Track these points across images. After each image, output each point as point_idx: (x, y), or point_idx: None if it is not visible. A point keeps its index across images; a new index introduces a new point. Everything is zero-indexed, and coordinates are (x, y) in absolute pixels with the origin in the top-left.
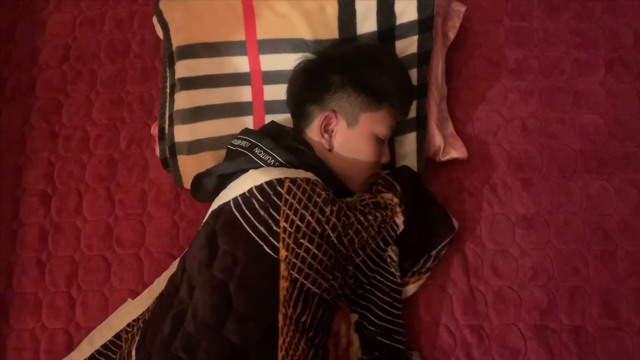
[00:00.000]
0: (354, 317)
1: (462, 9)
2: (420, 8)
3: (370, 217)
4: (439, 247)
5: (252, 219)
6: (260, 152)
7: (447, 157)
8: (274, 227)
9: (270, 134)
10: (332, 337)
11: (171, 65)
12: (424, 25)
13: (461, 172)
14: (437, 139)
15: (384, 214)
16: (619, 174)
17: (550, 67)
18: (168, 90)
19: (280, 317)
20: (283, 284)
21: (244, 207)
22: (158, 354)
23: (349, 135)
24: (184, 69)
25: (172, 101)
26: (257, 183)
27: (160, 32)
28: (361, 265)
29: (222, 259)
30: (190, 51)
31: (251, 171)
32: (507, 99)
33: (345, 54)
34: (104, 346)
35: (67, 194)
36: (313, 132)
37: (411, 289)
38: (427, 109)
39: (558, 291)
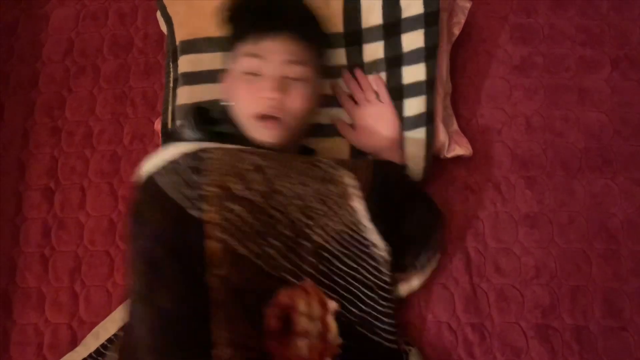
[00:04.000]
0: (333, 305)
1: (468, 4)
2: (426, 2)
3: (304, 186)
4: (434, 237)
5: (175, 184)
6: (182, 132)
7: (452, 154)
8: (197, 191)
9: (201, 111)
10: (284, 311)
11: (174, 60)
12: (430, 19)
13: (464, 169)
14: (441, 135)
15: (331, 189)
16: (624, 173)
17: (555, 64)
18: (171, 85)
19: (210, 278)
20: (210, 245)
21: (165, 175)
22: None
23: (228, 87)
24: (186, 63)
25: (174, 96)
26: (180, 152)
27: (164, 27)
28: (330, 249)
29: (145, 226)
30: (194, 46)
31: (171, 144)
32: (512, 96)
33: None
34: (109, 340)
35: (70, 189)
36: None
37: (415, 282)
38: (435, 104)
39: (561, 290)
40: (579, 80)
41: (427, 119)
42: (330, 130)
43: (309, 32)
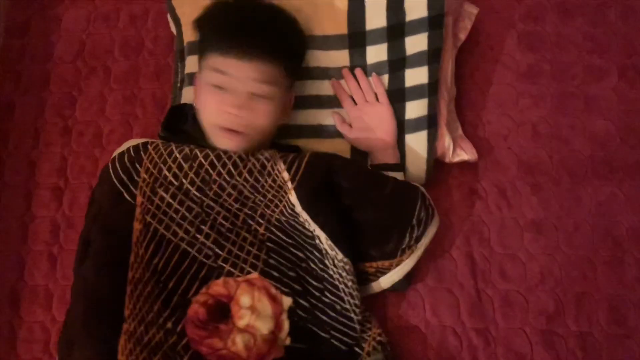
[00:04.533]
0: (288, 301)
1: (475, 10)
2: (431, 5)
3: (239, 178)
4: (417, 213)
5: (119, 169)
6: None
7: (457, 159)
8: (135, 177)
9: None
10: (217, 301)
11: (182, 60)
12: (435, 22)
13: (470, 175)
14: (446, 140)
15: (265, 181)
16: (629, 181)
17: (562, 72)
18: (179, 85)
19: (132, 256)
20: (136, 226)
21: (116, 161)
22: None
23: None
24: (193, 64)
25: (180, 95)
26: (135, 143)
27: (173, 28)
28: (275, 239)
29: (91, 207)
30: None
31: (135, 138)
32: (519, 103)
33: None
34: None
35: (79, 189)
36: None
37: (408, 263)
38: (437, 108)
39: (565, 296)
40: (585, 88)
41: (429, 122)
42: (330, 131)
43: (279, 53)
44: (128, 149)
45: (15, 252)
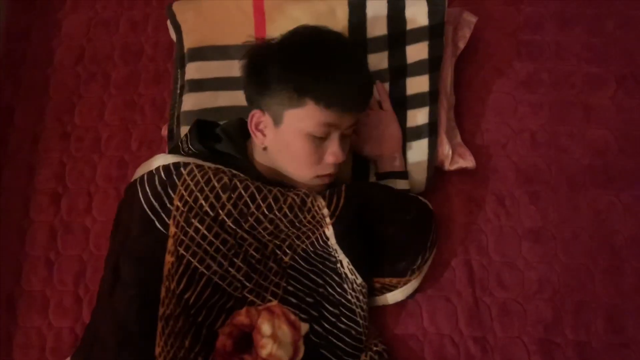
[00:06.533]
0: (305, 327)
1: (474, 19)
2: (431, 14)
3: (278, 213)
4: (431, 237)
5: (149, 194)
6: (182, 142)
7: (455, 167)
8: (168, 205)
9: (205, 126)
10: (240, 331)
11: (182, 66)
12: (435, 31)
13: (469, 183)
14: (445, 147)
15: (303, 216)
16: (628, 190)
17: (561, 81)
18: (178, 92)
19: (163, 290)
20: (169, 259)
21: (145, 184)
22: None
23: (276, 134)
24: (193, 70)
25: (180, 102)
26: (165, 163)
27: (173, 35)
28: (298, 267)
29: (120, 232)
30: (201, 53)
31: (163, 154)
32: (517, 111)
33: (283, 43)
34: None
35: (78, 194)
36: (251, 129)
37: (414, 284)
38: (438, 116)
39: (563, 305)
40: (584, 97)
41: (430, 130)
42: None
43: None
44: (158, 170)
45: (13, 257)
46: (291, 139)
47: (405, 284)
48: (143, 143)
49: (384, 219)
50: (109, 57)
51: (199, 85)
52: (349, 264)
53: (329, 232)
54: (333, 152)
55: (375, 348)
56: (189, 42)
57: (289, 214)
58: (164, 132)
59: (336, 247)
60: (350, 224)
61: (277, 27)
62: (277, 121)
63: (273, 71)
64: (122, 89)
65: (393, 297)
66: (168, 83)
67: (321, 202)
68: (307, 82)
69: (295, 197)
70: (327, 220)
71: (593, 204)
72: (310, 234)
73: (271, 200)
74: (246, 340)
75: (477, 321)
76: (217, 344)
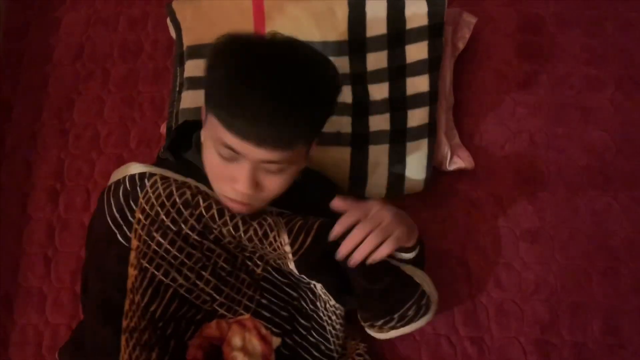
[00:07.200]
0: (277, 341)
1: (473, 20)
2: (431, 14)
3: (242, 236)
4: (402, 311)
5: (113, 206)
6: (161, 149)
7: (454, 167)
8: (129, 217)
9: (192, 128)
10: (210, 343)
11: (181, 64)
12: (435, 31)
13: (467, 183)
14: (444, 148)
15: (265, 246)
16: (625, 192)
17: (559, 82)
18: (177, 89)
19: (127, 303)
20: (132, 272)
21: (111, 194)
22: None
23: (203, 135)
24: (192, 68)
25: (178, 99)
26: (133, 172)
27: (173, 33)
28: (271, 279)
29: (89, 241)
30: (200, 51)
31: (135, 162)
32: (515, 113)
33: (240, 41)
34: None
35: (76, 191)
36: None
37: (394, 334)
38: (437, 116)
39: (560, 306)
40: (582, 98)
41: (430, 130)
42: (332, 139)
43: (306, 137)
44: (124, 179)
45: (10, 253)
46: (206, 144)
47: (385, 332)
48: (142, 141)
49: (350, 275)
50: (108, 55)
51: (198, 82)
52: (322, 288)
53: (292, 265)
54: (234, 178)
55: (356, 353)
56: (188, 40)
57: (248, 244)
58: (163, 129)
59: (306, 279)
60: (315, 261)
61: (277, 26)
62: (204, 121)
63: (210, 65)
64: (121, 86)
65: (380, 336)
66: (167, 81)
67: (284, 239)
68: (217, 93)
69: (258, 228)
70: (290, 256)
71: (590, 205)
72: (277, 258)
73: (231, 228)
74: (216, 352)
75: (474, 321)
76: (187, 356)
